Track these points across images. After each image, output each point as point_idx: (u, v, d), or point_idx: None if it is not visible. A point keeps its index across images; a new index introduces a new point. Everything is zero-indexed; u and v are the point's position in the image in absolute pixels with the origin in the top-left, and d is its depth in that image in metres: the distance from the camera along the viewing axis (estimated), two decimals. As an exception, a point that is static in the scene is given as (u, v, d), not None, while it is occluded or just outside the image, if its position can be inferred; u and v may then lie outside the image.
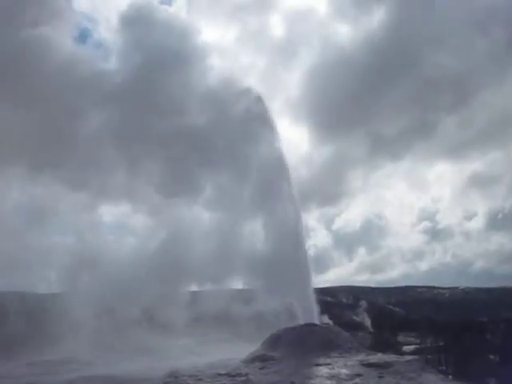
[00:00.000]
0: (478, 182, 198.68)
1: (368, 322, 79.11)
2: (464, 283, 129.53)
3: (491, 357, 34.66)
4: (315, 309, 31.78)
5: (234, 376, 21.49)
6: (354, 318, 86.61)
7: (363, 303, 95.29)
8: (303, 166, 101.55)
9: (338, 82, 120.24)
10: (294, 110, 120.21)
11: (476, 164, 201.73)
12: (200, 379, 21.31)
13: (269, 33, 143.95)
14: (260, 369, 22.70)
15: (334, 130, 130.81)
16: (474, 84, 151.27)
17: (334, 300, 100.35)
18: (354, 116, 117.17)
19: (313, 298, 32.14)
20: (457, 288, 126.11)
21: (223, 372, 22.28)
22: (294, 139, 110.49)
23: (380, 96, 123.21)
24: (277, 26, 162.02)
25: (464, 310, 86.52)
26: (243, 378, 21.04)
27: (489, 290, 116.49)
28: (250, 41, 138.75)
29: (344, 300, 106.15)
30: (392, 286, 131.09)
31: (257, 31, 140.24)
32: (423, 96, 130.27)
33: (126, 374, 24.14)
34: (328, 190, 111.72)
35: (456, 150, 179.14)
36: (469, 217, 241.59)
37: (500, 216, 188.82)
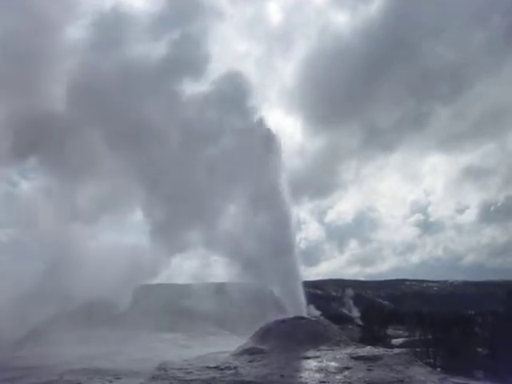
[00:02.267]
0: (471, 174, 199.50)
1: (357, 315, 79.64)
2: (454, 277, 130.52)
3: (479, 350, 34.97)
4: (303, 302, 31.79)
5: (223, 369, 21.53)
6: (343, 311, 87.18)
7: (349, 292, 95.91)
8: (296, 157, 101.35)
9: (333, 71, 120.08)
10: (289, 99, 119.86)
11: (469, 156, 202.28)
12: (189, 372, 21.32)
13: (265, 21, 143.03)
14: (249, 362, 22.75)
15: (328, 121, 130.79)
16: (469, 75, 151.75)
17: (324, 293, 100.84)
18: (349, 106, 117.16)
19: (301, 291, 32.11)
20: (446, 281, 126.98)
21: (212, 365, 22.31)
22: (288, 130, 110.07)
23: (375, 86, 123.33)
24: (274, 14, 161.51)
25: (453, 303, 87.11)
26: (232, 371, 21.08)
27: (477, 284, 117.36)
28: (246, 29, 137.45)
29: (333, 293, 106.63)
30: (382, 279, 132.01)
31: (253, 19, 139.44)
32: (418, 87, 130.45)
33: (115, 366, 24.16)
34: (321, 181, 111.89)
35: (449, 142, 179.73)
36: (461, 210, 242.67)
37: (492, 209, 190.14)
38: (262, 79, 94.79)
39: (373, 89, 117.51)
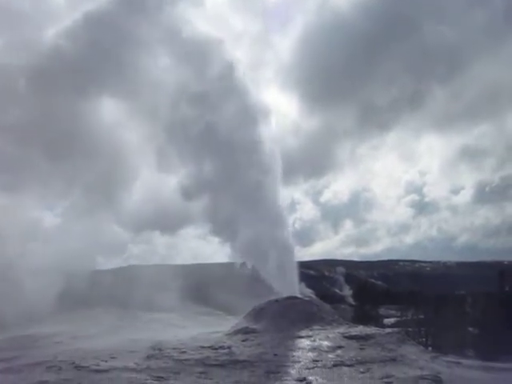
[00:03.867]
0: (467, 155, 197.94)
1: (348, 293, 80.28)
2: (448, 257, 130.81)
3: (471, 329, 35.29)
4: (297, 282, 31.94)
5: (216, 349, 21.69)
6: (336, 291, 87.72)
7: (340, 269, 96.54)
8: (291, 136, 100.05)
9: (331, 48, 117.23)
10: (285, 77, 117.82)
11: (465, 137, 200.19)
12: (184, 352, 21.47)
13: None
14: (243, 341, 22.92)
15: (324, 99, 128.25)
16: (468, 55, 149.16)
17: (317, 274, 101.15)
18: (346, 85, 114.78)
19: (295, 271, 32.24)
20: (439, 262, 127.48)
21: (206, 345, 22.47)
22: (283, 108, 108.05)
23: (373, 64, 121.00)
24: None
25: (445, 283, 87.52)
26: (226, 351, 21.25)
27: (470, 265, 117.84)
28: (243, 4, 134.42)
29: (326, 273, 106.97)
30: (375, 259, 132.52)
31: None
32: (416, 66, 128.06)
33: (110, 346, 24.20)
34: (316, 161, 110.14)
35: (446, 122, 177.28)
36: (456, 190, 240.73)
37: (488, 190, 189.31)
38: (258, 56, 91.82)
39: (370, 67, 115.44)
